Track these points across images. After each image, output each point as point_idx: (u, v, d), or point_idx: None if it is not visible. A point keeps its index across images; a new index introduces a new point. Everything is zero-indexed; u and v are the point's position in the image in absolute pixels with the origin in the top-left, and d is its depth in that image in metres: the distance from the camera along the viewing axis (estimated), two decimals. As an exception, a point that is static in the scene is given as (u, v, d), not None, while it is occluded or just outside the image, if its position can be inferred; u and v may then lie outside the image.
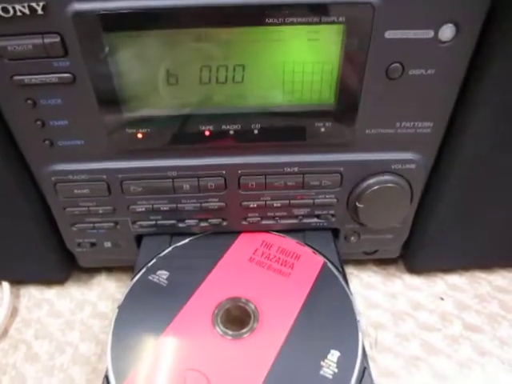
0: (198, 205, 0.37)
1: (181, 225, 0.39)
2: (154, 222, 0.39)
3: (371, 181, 0.35)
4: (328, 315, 0.33)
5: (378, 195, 0.36)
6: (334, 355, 0.30)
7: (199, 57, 0.30)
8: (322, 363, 0.29)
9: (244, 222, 0.39)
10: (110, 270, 0.47)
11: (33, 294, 0.45)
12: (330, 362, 0.29)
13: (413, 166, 0.35)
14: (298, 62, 0.30)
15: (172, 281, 0.36)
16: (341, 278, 0.36)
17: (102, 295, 0.45)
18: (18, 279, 0.45)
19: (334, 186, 0.36)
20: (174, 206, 0.37)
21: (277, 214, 0.38)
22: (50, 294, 0.45)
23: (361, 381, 0.29)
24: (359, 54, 0.29)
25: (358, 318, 0.32)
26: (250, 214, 0.38)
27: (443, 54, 0.29)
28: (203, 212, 0.38)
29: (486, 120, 0.32)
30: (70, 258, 0.43)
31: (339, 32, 0.28)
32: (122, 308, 0.34)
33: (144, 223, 0.39)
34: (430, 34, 0.28)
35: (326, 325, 0.32)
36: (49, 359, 0.39)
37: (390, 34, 0.28)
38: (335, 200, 0.37)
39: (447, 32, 0.28)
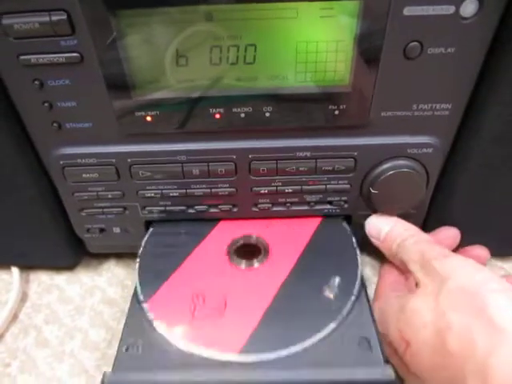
0: (208, 190, 0.37)
1: (190, 211, 0.38)
2: (163, 208, 0.38)
3: (386, 166, 0.34)
4: (331, 249, 0.37)
5: (393, 181, 0.35)
6: (335, 281, 0.34)
7: (209, 37, 0.29)
8: (324, 287, 0.33)
9: (255, 209, 0.38)
10: (119, 256, 0.46)
11: (42, 280, 0.45)
12: (332, 286, 0.33)
13: (430, 150, 0.34)
14: (312, 40, 0.29)
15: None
16: (341, 219, 0.40)
17: (112, 281, 0.44)
18: (28, 265, 0.45)
19: (348, 172, 0.35)
20: (184, 191, 0.37)
21: (288, 200, 0.38)
22: (60, 279, 0.45)
23: (357, 298, 0.33)
24: (376, 32, 0.28)
25: (357, 251, 0.36)
26: (260, 200, 0.38)
27: (464, 31, 0.28)
28: (213, 198, 0.37)
29: (506, 100, 0.30)
30: (80, 244, 0.43)
31: (355, 8, 0.27)
32: (147, 242, 0.39)
33: (153, 209, 0.38)
34: (451, 9, 0.27)
35: (329, 257, 0.36)
36: (59, 344, 0.39)
37: (409, 11, 0.27)
38: (348, 186, 0.36)
39: (470, 7, 0.27)
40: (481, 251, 0.38)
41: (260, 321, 0.31)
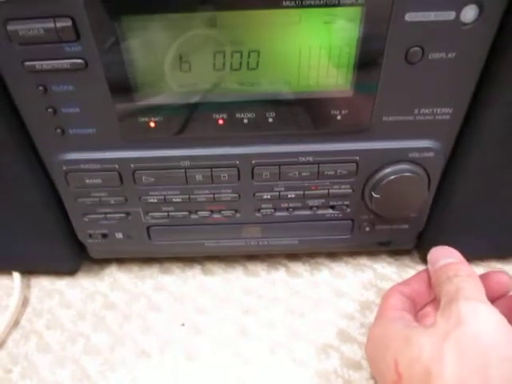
0: (211, 196, 0.37)
1: (193, 216, 0.38)
2: (166, 214, 0.38)
3: (388, 170, 0.35)
4: None
5: (395, 185, 0.35)
6: None
7: (213, 42, 0.29)
8: None
9: (257, 214, 0.38)
10: (121, 260, 0.46)
11: (43, 285, 0.45)
12: None
13: (431, 154, 0.34)
14: (314, 46, 0.29)
15: None
16: None
17: (114, 286, 0.44)
18: (29, 270, 0.45)
19: (350, 176, 0.35)
20: (187, 196, 0.37)
21: (291, 205, 0.38)
22: (61, 284, 0.45)
23: None
24: (378, 38, 0.28)
25: None
26: (263, 206, 0.38)
27: (465, 36, 0.28)
28: (216, 203, 0.37)
29: (506, 103, 0.31)
30: (81, 249, 0.43)
31: (357, 14, 0.27)
32: None
33: (156, 214, 0.38)
34: (452, 15, 0.27)
35: None
36: (61, 350, 0.39)
37: (410, 17, 0.27)
38: (350, 190, 0.37)
39: (470, 13, 0.27)
40: (503, 277, 0.34)
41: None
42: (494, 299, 0.32)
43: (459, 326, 0.26)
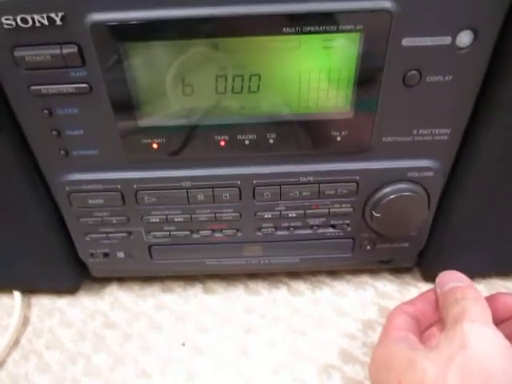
0: (213, 215, 0.37)
1: (195, 235, 0.39)
2: (167, 233, 0.38)
3: (388, 189, 0.35)
4: None
5: (395, 204, 0.35)
6: None
7: (215, 67, 0.30)
8: None
9: (258, 233, 0.39)
10: (121, 279, 0.46)
11: (44, 304, 0.45)
12: None
13: (430, 173, 0.34)
14: (314, 70, 0.30)
15: None
16: None
17: (114, 305, 0.44)
18: (30, 289, 0.45)
19: (350, 195, 0.36)
20: (188, 216, 0.37)
21: (291, 224, 0.38)
22: (62, 303, 0.45)
23: None
24: (376, 62, 0.29)
25: None
26: (264, 225, 0.38)
27: (461, 60, 0.29)
28: (217, 222, 0.38)
29: (503, 125, 0.31)
30: (82, 268, 0.43)
31: (356, 40, 0.28)
32: None
33: (158, 234, 0.38)
34: (448, 40, 0.28)
35: None
36: (60, 370, 0.39)
37: (407, 42, 0.28)
38: (351, 209, 0.37)
39: (465, 38, 0.28)
40: (510, 299, 0.34)
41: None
42: (501, 321, 0.32)
43: (463, 350, 0.26)
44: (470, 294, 0.31)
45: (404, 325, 0.33)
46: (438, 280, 0.34)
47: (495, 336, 0.27)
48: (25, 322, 0.43)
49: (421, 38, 0.28)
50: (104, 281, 0.46)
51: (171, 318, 0.43)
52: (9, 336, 0.40)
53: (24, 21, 0.26)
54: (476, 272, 0.43)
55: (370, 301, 0.43)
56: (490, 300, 0.32)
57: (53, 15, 0.26)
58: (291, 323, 0.41)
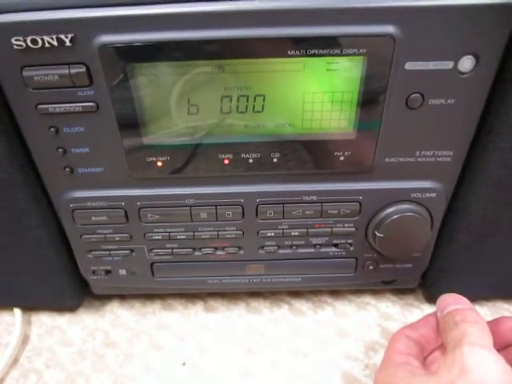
0: (215, 233, 0.37)
1: (197, 253, 0.39)
2: (170, 250, 0.38)
3: (390, 210, 0.35)
4: None
5: (398, 224, 0.35)
6: None
7: (220, 87, 0.30)
8: None
9: (261, 251, 0.39)
10: (122, 297, 0.46)
11: (44, 322, 0.44)
12: None
13: (433, 194, 0.34)
14: (318, 91, 0.30)
15: None
16: None
17: (115, 323, 0.44)
18: (30, 306, 0.45)
19: (353, 215, 0.36)
20: (191, 234, 0.37)
21: (294, 242, 0.38)
22: (62, 321, 0.44)
23: None
24: (379, 85, 0.29)
25: None
26: (267, 243, 0.38)
27: (463, 84, 0.29)
28: (220, 240, 0.38)
29: (505, 148, 0.31)
30: (83, 285, 0.43)
31: (359, 63, 0.29)
32: None
33: (160, 251, 0.38)
34: (450, 65, 0.28)
35: None
36: (59, 390, 0.38)
37: (410, 66, 0.28)
38: (354, 229, 0.37)
39: (467, 63, 0.28)
40: None
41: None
42: (505, 346, 0.32)
43: (463, 375, 0.26)
44: (469, 317, 0.30)
45: (405, 349, 0.32)
46: (438, 303, 0.34)
47: (495, 361, 0.26)
48: (24, 339, 0.43)
49: (423, 62, 0.28)
50: (105, 298, 0.46)
51: (172, 337, 0.42)
52: (8, 354, 0.40)
53: (34, 42, 0.27)
54: (479, 294, 0.43)
55: (372, 322, 0.42)
56: (494, 324, 0.32)
57: (62, 36, 0.26)
58: (292, 344, 0.41)
